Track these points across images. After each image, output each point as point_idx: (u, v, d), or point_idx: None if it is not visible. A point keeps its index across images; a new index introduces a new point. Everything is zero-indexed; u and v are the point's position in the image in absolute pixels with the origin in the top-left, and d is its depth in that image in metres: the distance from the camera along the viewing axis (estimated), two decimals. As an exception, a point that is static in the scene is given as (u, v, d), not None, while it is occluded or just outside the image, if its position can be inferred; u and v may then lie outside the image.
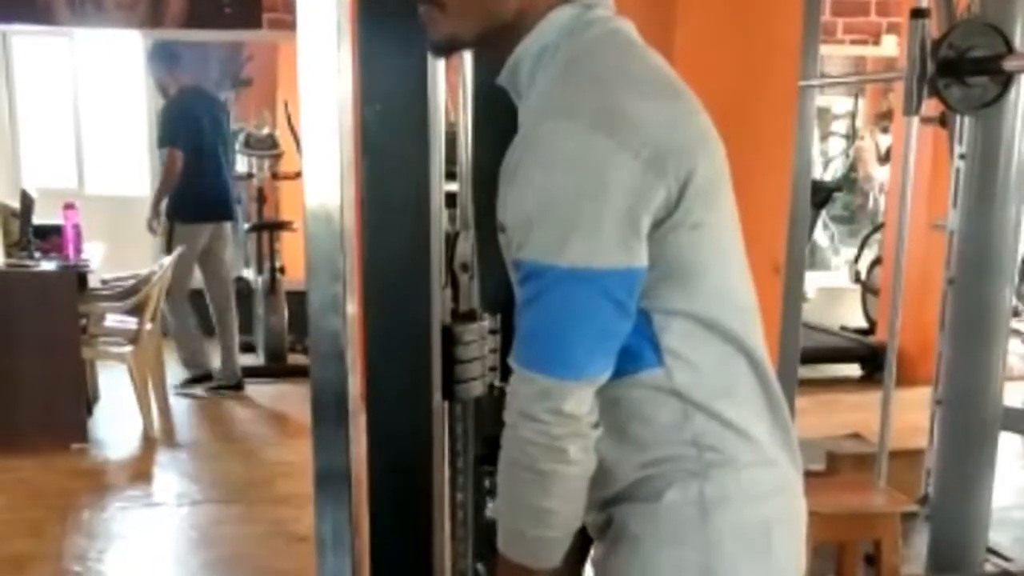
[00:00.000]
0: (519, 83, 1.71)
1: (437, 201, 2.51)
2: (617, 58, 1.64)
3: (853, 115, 11.18)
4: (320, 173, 2.19)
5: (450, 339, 2.44)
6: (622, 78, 1.60)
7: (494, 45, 1.74)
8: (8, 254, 6.50)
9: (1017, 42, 3.55)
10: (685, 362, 1.63)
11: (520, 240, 1.55)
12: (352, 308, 2.30)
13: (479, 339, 2.45)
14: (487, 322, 2.47)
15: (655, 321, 1.61)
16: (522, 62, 1.68)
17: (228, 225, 7.94)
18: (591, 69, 1.61)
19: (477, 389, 2.47)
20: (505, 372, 2.46)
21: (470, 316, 2.50)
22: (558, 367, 1.55)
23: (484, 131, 2.51)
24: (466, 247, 2.53)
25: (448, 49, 1.83)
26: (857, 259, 9.69)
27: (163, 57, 7.83)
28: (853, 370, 8.31)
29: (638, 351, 1.62)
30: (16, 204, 6.91)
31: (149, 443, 6.58)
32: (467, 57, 2.43)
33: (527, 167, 1.54)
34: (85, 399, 6.75)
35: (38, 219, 6.88)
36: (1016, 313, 9.52)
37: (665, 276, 1.59)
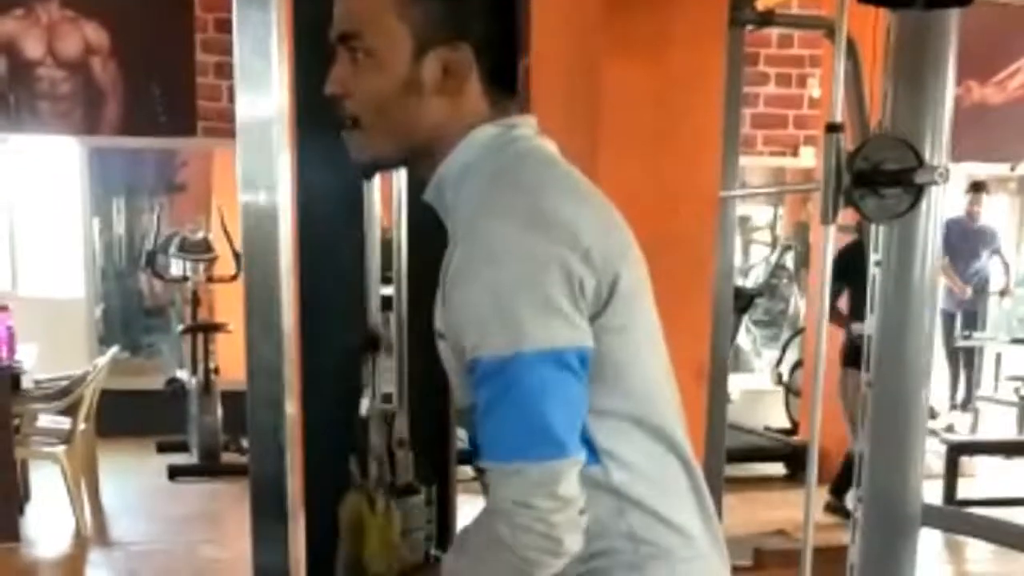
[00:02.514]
0: (444, 199, 1.76)
1: (374, 304, 2.60)
2: (540, 170, 1.71)
3: (773, 224, 11.41)
4: (259, 276, 2.27)
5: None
6: (547, 186, 1.67)
7: (417, 163, 1.81)
8: (-59, 355, 6.50)
9: (927, 155, 3.67)
10: (619, 460, 1.67)
11: (475, 340, 1.58)
12: (291, 407, 2.37)
13: (418, 511, 2.49)
14: (423, 494, 2.52)
15: (588, 421, 1.63)
16: (446, 179, 1.74)
17: None
18: (516, 179, 1.67)
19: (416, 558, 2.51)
20: (441, 540, 2.54)
21: (408, 490, 2.55)
22: (544, 447, 1.55)
23: (417, 238, 2.60)
24: (402, 424, 2.59)
25: (372, 169, 1.87)
26: (779, 362, 9.86)
27: None
28: (777, 469, 8.41)
29: None
30: (-51, 307, 6.91)
31: (82, 541, 6.55)
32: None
33: (471, 268, 1.59)
34: (17, 498, 6.73)
35: (-29, 321, 6.89)
36: (932, 415, 9.72)
37: (596, 377, 1.62)
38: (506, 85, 1.77)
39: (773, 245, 11.22)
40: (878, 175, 3.64)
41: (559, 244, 1.58)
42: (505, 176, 1.68)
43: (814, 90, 9.60)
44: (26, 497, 7.14)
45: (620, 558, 1.69)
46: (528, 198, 1.63)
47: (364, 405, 2.58)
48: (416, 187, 1.85)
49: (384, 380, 2.66)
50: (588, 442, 1.64)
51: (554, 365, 1.56)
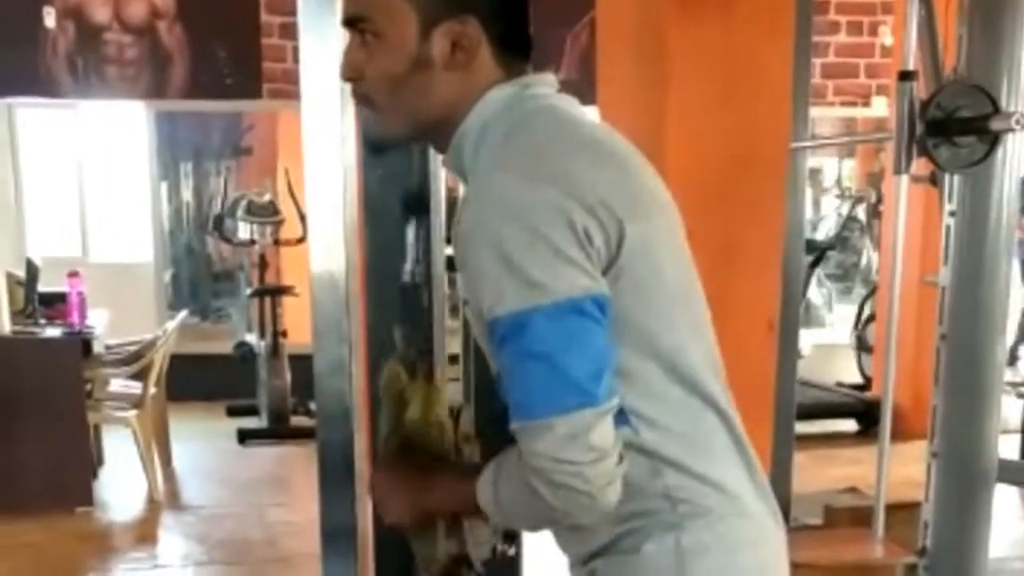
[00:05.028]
0: (463, 163, 1.75)
1: (439, 266, 2.58)
2: (552, 127, 1.69)
3: (844, 176, 11.27)
4: (325, 238, 2.25)
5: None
6: (557, 142, 1.65)
7: (436, 137, 1.80)
8: (14, 321, 6.55)
9: (1003, 102, 3.59)
10: (648, 420, 1.64)
11: (491, 299, 1.56)
12: (357, 370, 2.35)
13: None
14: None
15: (613, 382, 1.59)
16: (464, 142, 1.73)
17: None
18: (527, 137, 1.66)
19: (484, 553, 2.47)
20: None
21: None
22: (572, 397, 1.53)
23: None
24: (468, 420, 2.56)
25: (383, 147, 1.87)
26: (857, 323, 9.72)
27: None
28: (849, 425, 8.36)
29: None
30: (21, 272, 6.98)
31: (154, 505, 6.63)
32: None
33: (478, 227, 1.58)
34: (90, 463, 6.82)
35: (43, 287, 6.97)
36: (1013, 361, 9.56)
37: (618, 337, 1.60)
38: (518, 50, 1.76)
39: (844, 197, 11.09)
40: (952, 123, 3.57)
41: (562, 195, 1.56)
42: (516, 135, 1.67)
43: (886, 38, 9.44)
44: (99, 461, 7.22)
45: (658, 518, 1.68)
46: (533, 153, 1.62)
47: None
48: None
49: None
50: None
51: (573, 315, 1.54)
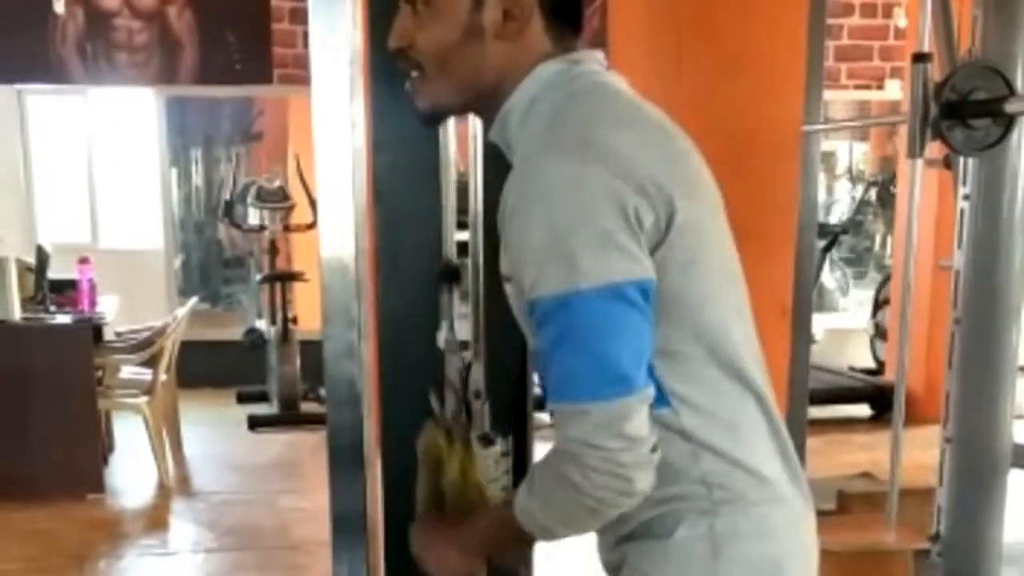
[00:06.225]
0: (509, 137, 1.74)
1: (450, 250, 2.56)
2: (601, 104, 1.67)
3: (857, 160, 11.24)
4: (334, 223, 2.24)
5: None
6: (607, 119, 1.64)
7: (483, 108, 1.79)
8: (24, 308, 6.55)
9: (1018, 84, 3.55)
10: (690, 403, 1.63)
11: (533, 278, 1.55)
12: (367, 355, 2.34)
13: (494, 462, 2.47)
14: (499, 445, 2.46)
15: (657, 363, 1.59)
16: (510, 117, 1.72)
17: None
18: (576, 114, 1.63)
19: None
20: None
21: (484, 440, 2.51)
22: (611, 385, 1.52)
23: (493, 182, 2.55)
24: (479, 374, 2.55)
25: (435, 118, 1.85)
26: (875, 312, 9.68)
27: None
28: (862, 410, 8.32)
29: None
30: (32, 259, 6.98)
31: (164, 492, 6.64)
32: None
33: (524, 206, 1.55)
34: (101, 449, 6.81)
35: (53, 273, 6.96)
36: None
37: (663, 316, 1.58)
38: (570, 22, 1.75)
39: (857, 181, 11.05)
40: (967, 106, 3.54)
41: (613, 176, 1.53)
42: (564, 112, 1.65)
43: (900, 20, 9.37)
44: (110, 448, 7.25)
45: (693, 503, 1.66)
46: (582, 132, 1.60)
47: (440, 338, 2.55)
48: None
49: (460, 328, 2.62)
50: (657, 384, 1.60)
51: (614, 300, 1.52)
